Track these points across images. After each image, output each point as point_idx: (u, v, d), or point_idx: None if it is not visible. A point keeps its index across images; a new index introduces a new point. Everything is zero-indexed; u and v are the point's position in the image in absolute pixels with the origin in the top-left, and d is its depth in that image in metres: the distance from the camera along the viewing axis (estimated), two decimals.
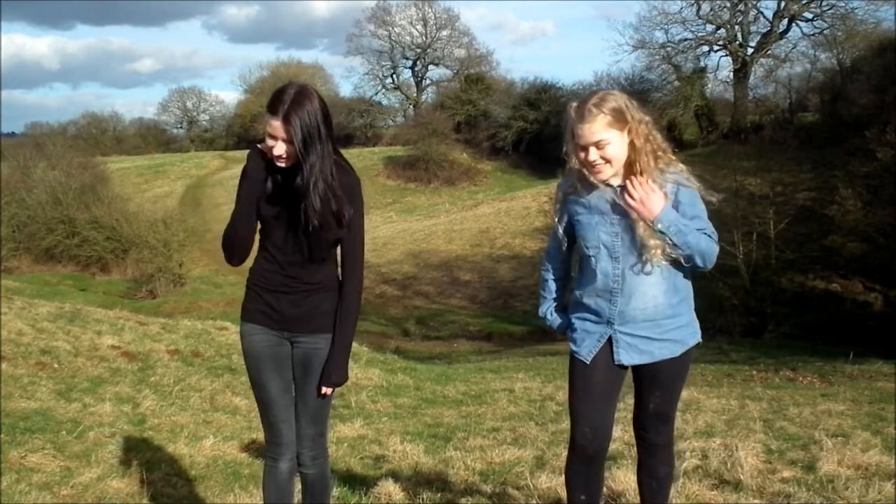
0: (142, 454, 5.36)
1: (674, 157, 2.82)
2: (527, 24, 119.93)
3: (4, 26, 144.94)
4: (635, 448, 3.12)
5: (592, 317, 2.88)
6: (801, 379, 10.98)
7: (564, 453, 4.86)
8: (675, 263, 2.82)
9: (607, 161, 2.73)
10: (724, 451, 4.72)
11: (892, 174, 23.09)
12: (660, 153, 2.78)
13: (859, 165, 24.58)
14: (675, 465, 3.04)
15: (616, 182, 2.80)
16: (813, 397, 8.19)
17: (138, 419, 6.58)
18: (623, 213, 2.77)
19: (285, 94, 2.76)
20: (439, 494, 4.35)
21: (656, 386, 2.90)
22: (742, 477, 4.25)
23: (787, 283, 25.05)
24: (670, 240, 2.71)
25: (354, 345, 12.82)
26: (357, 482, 4.72)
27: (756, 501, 3.97)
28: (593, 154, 2.72)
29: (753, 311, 23.43)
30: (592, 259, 2.83)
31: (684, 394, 8.07)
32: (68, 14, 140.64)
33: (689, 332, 2.90)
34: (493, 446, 5.48)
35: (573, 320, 2.95)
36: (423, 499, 4.30)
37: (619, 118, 2.71)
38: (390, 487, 4.41)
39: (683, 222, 2.72)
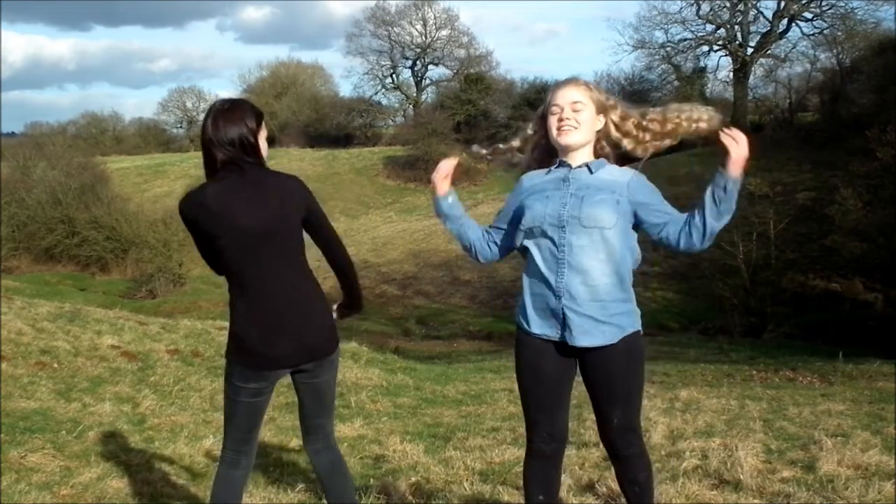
0: (142, 454, 5.37)
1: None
2: (542, 25, 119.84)
3: (24, 27, 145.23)
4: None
5: (541, 293, 2.85)
6: (801, 379, 10.99)
7: (564, 453, 4.87)
8: (622, 248, 2.81)
9: (578, 124, 2.83)
10: (723, 451, 4.72)
11: (892, 174, 23.11)
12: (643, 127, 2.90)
13: (859, 165, 24.59)
14: (652, 465, 3.00)
15: (575, 163, 2.87)
16: (813, 397, 8.19)
17: (138, 419, 6.58)
18: (576, 188, 2.82)
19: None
20: (439, 494, 4.35)
21: (614, 400, 2.84)
22: (742, 477, 4.25)
23: (787, 283, 25.04)
24: (721, 201, 2.72)
25: (354, 345, 12.60)
26: (357, 482, 4.72)
27: (756, 501, 3.97)
28: (567, 111, 2.83)
29: (753, 311, 23.44)
30: (541, 231, 2.83)
31: (684, 393, 8.10)
32: (85, 15, 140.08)
33: (630, 319, 2.86)
34: (493, 446, 5.48)
35: (523, 300, 2.93)
36: (422, 499, 4.30)
37: (599, 101, 2.87)
38: (390, 487, 4.42)
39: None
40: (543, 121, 2.93)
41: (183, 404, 7.22)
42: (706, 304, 24.41)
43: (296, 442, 5.87)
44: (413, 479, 4.67)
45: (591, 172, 2.85)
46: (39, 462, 5.01)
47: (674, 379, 10.66)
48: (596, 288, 2.78)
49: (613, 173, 2.86)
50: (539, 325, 2.87)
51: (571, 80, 2.90)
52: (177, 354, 9.29)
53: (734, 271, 24.34)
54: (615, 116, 2.89)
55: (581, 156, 2.88)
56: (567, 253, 2.79)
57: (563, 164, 2.89)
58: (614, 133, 2.90)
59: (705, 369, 12.24)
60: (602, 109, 2.88)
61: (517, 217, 2.93)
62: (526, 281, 2.92)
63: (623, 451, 2.88)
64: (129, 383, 7.82)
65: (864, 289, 24.55)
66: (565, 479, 4.27)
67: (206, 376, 8.35)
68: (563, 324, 2.81)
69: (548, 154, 2.97)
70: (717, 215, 2.73)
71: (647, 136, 2.89)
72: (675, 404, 7.37)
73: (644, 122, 2.89)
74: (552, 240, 2.81)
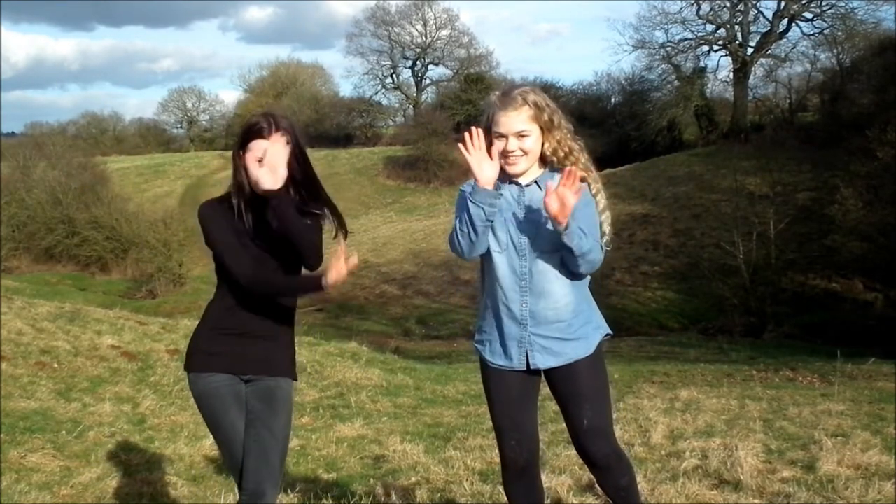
0: (142, 454, 5.37)
1: (592, 172, 2.83)
2: (544, 25, 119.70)
3: (27, 28, 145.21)
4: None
5: (504, 320, 2.82)
6: (801, 379, 10.97)
7: (564, 453, 4.88)
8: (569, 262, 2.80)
9: (524, 153, 2.77)
10: (723, 451, 4.72)
11: (892, 174, 23.12)
12: (573, 161, 2.79)
13: (859, 165, 24.60)
14: (633, 467, 2.97)
15: (525, 180, 2.82)
16: (813, 397, 8.19)
17: (138, 419, 6.58)
18: (530, 210, 2.78)
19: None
20: (439, 494, 4.35)
21: (581, 399, 2.80)
22: (742, 477, 4.25)
23: (787, 283, 25.03)
24: (566, 243, 2.66)
25: (354, 344, 12.51)
26: (357, 482, 4.73)
27: (756, 501, 3.97)
28: (513, 144, 2.75)
29: (753, 311, 23.42)
30: (501, 256, 2.81)
31: (684, 393, 8.09)
32: (88, 15, 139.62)
33: (593, 328, 2.86)
34: (493, 446, 5.46)
35: (483, 326, 2.91)
36: (422, 499, 4.30)
37: (539, 115, 2.76)
38: (390, 487, 4.42)
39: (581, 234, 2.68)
40: (488, 133, 2.79)
41: (183, 404, 7.21)
42: (706, 304, 24.40)
43: (295, 441, 5.87)
44: (413, 479, 4.67)
45: (540, 189, 2.79)
46: (39, 462, 5.01)
47: (674, 379, 10.65)
48: (559, 310, 2.79)
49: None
50: (502, 358, 2.85)
51: (515, 103, 2.75)
52: (177, 354, 9.28)
53: (734, 271, 24.33)
54: (548, 144, 2.80)
55: (530, 172, 2.83)
56: (529, 280, 2.78)
57: (513, 181, 2.82)
58: (544, 151, 2.83)
59: (705, 369, 12.22)
60: (543, 128, 2.78)
61: None
62: (487, 305, 2.89)
63: (600, 457, 2.82)
64: (129, 383, 7.83)
65: (864, 289, 24.53)
66: (565, 480, 4.27)
67: None
68: (529, 351, 2.80)
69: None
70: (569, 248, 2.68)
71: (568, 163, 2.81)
72: (675, 404, 7.37)
73: (571, 156, 2.81)
74: (514, 269, 2.80)
